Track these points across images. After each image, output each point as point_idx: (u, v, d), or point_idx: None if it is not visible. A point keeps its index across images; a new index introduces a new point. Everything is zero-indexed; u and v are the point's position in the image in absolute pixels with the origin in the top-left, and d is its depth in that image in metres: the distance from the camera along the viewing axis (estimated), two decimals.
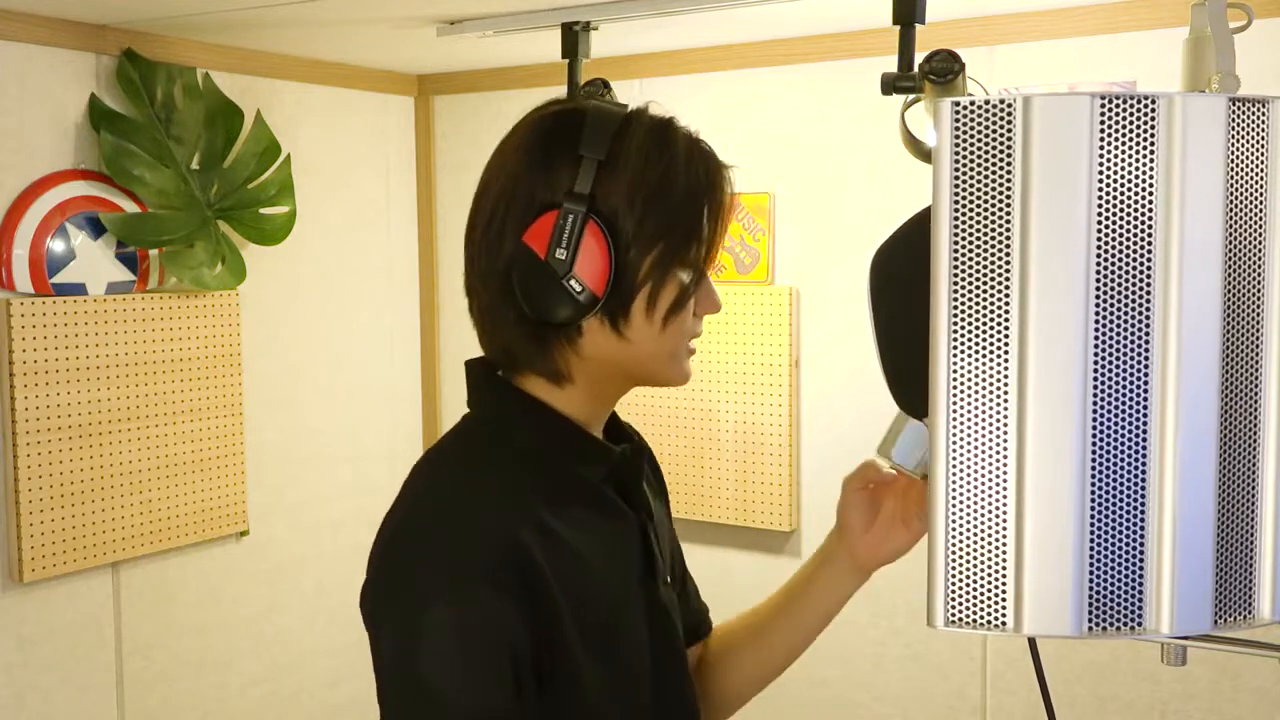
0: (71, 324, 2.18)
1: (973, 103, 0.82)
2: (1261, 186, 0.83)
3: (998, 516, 0.83)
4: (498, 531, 1.03)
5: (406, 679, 1.02)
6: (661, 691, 1.16)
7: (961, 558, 0.84)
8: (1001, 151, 0.81)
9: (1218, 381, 0.82)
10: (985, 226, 0.82)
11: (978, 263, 0.82)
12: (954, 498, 0.84)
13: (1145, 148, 0.80)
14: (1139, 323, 0.81)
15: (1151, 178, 0.81)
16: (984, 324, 0.83)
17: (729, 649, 1.33)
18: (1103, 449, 0.82)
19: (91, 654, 2.26)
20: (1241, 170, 0.82)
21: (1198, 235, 0.81)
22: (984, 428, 0.83)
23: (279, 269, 2.58)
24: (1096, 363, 0.81)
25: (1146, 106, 0.80)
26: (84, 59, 2.21)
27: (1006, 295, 0.82)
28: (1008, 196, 0.82)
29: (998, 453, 0.83)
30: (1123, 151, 0.80)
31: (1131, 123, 0.80)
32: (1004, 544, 0.83)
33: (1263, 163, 0.83)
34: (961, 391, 0.84)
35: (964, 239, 0.83)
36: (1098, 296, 0.81)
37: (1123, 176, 0.81)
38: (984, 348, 0.83)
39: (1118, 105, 0.80)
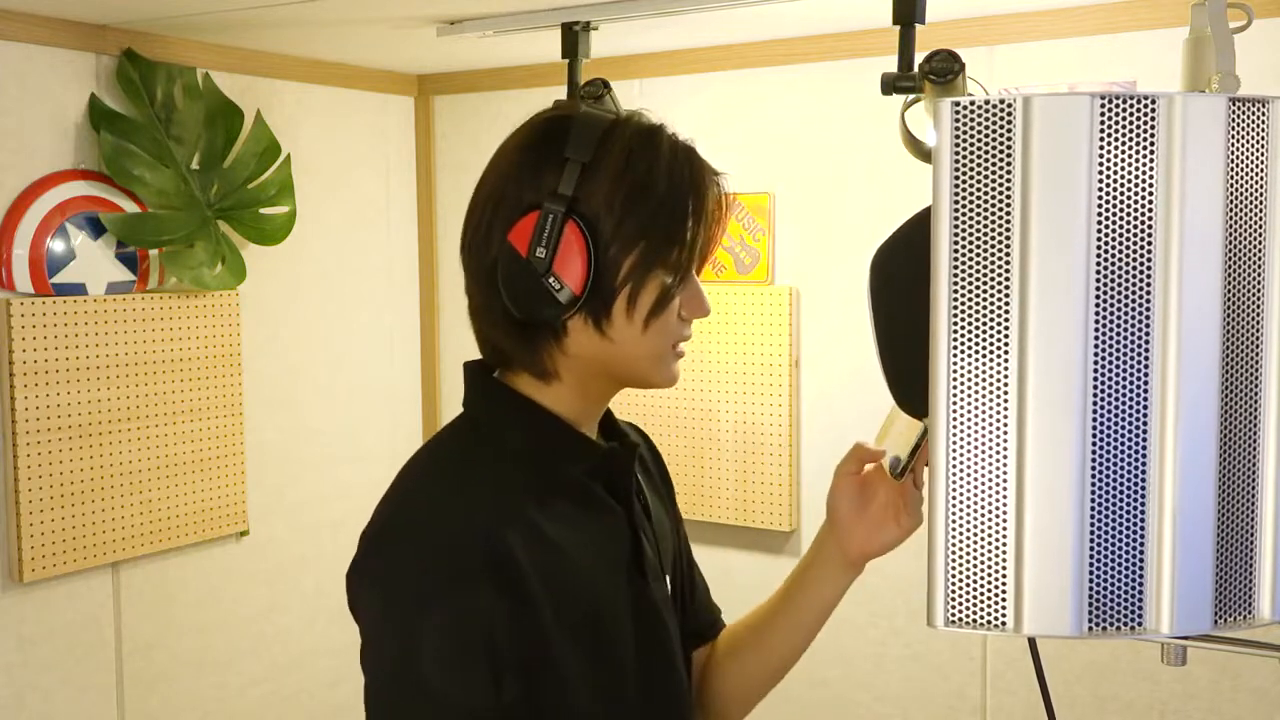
0: (71, 324, 2.18)
1: (973, 103, 0.82)
2: (1261, 186, 0.83)
3: (998, 516, 0.83)
4: (480, 529, 1.04)
5: (386, 673, 1.04)
6: (649, 688, 1.16)
7: (961, 558, 0.84)
8: (1001, 152, 0.81)
9: (1218, 381, 0.82)
10: (985, 226, 0.82)
11: (978, 263, 0.82)
12: (954, 498, 0.84)
13: (1145, 148, 0.80)
14: (1139, 323, 0.81)
15: (1151, 178, 0.81)
16: (984, 324, 0.83)
17: (732, 651, 1.33)
18: (1103, 449, 0.82)
19: (91, 654, 2.26)
20: (1241, 170, 0.82)
21: (1198, 235, 0.81)
22: (984, 428, 0.83)
23: (279, 269, 2.58)
24: (1096, 363, 0.81)
25: (1146, 106, 0.80)
26: (84, 59, 2.21)
27: (1006, 295, 0.82)
28: (1008, 196, 0.82)
29: (998, 453, 0.83)
30: (1123, 151, 0.80)
31: (1131, 123, 0.80)
32: (1004, 544, 0.83)
33: (1263, 163, 0.83)
34: (961, 391, 0.84)
35: (964, 239, 0.83)
36: (1098, 296, 0.81)
37: (1123, 176, 0.81)
38: (984, 348, 0.83)
39: (1118, 105, 0.80)
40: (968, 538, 0.84)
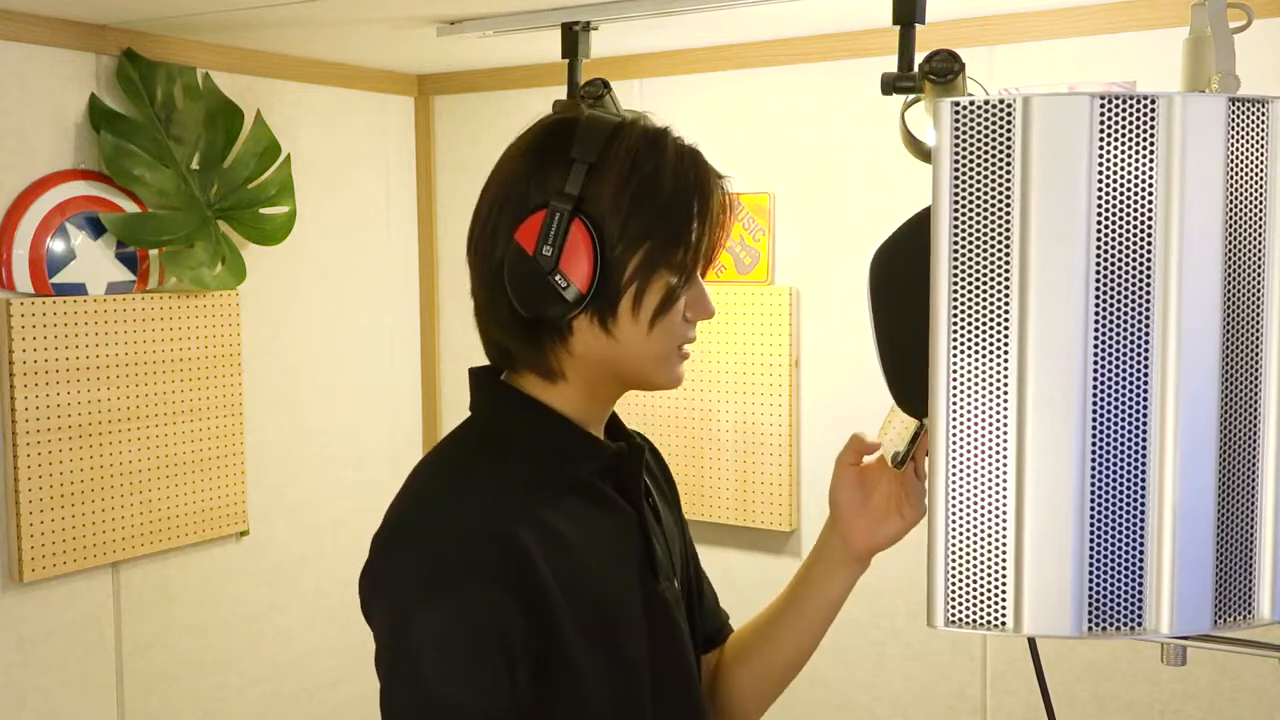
0: (71, 324, 2.18)
1: (972, 103, 0.82)
2: (1261, 186, 0.83)
3: (998, 516, 0.84)
4: (491, 528, 1.04)
5: (400, 675, 1.04)
6: (662, 685, 1.16)
7: (961, 558, 0.84)
8: (1001, 151, 0.81)
9: (1217, 381, 0.82)
10: (985, 226, 0.82)
11: (978, 263, 0.82)
12: (954, 498, 0.84)
13: (1145, 148, 0.80)
14: (1139, 323, 0.81)
15: (1151, 178, 0.81)
16: (984, 324, 0.83)
17: (741, 655, 1.33)
18: (1103, 449, 0.82)
19: (91, 654, 2.26)
20: (1241, 170, 0.82)
21: (1197, 235, 0.81)
22: (984, 428, 0.83)
23: (279, 269, 2.58)
24: (1096, 362, 0.81)
25: (1146, 106, 0.80)
26: (84, 59, 2.21)
27: (1006, 295, 0.82)
28: (1007, 196, 0.82)
29: (998, 453, 0.83)
30: (1122, 152, 0.80)
31: (1131, 123, 0.80)
32: (1004, 544, 0.83)
33: (1263, 163, 0.83)
34: (961, 391, 0.84)
35: (964, 239, 0.83)
36: (1098, 296, 0.81)
37: (1122, 177, 0.81)
38: (984, 347, 0.83)
39: (1117, 105, 0.80)
40: (967, 538, 0.84)
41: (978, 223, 0.82)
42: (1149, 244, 0.81)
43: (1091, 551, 0.82)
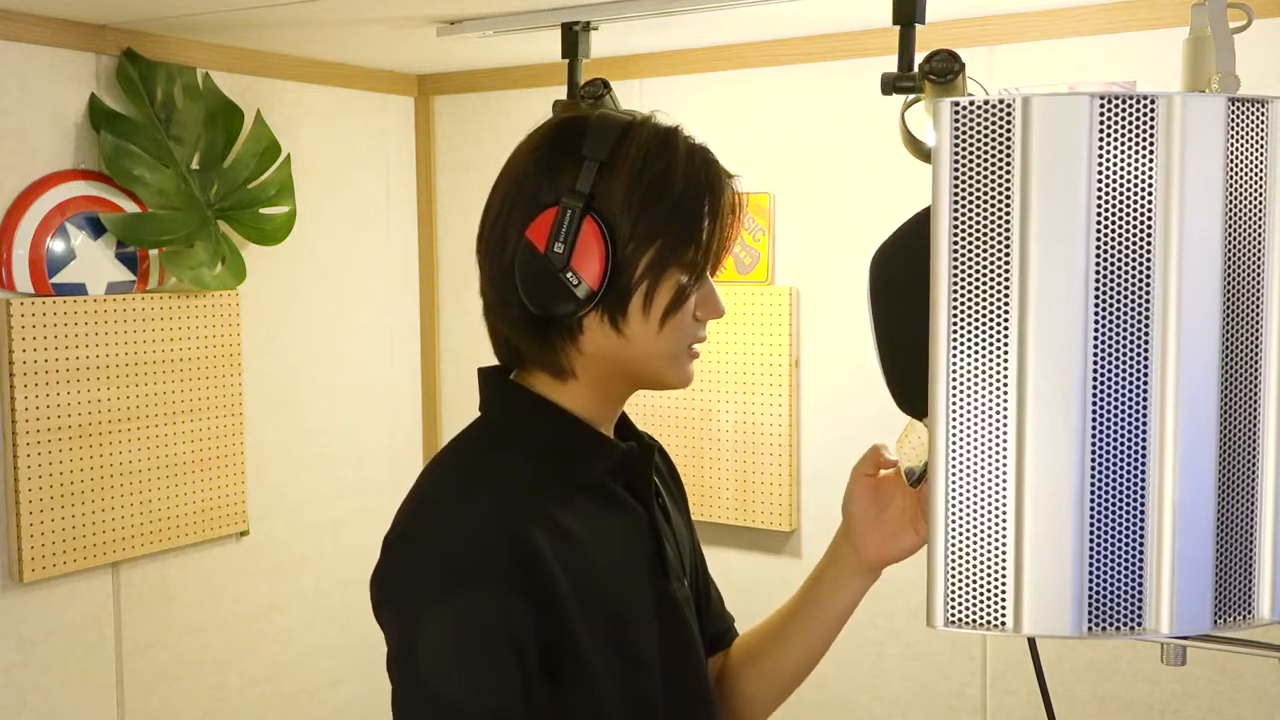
0: (71, 324, 2.18)
1: (972, 103, 0.82)
2: (1261, 186, 0.83)
3: (997, 516, 0.83)
4: (503, 528, 1.04)
5: (411, 678, 1.03)
6: (673, 685, 1.16)
7: (961, 558, 0.84)
8: (1001, 151, 0.81)
9: (1217, 381, 0.82)
10: (985, 226, 0.82)
11: (977, 262, 0.82)
12: (954, 497, 0.84)
13: (1145, 148, 0.80)
14: (1139, 322, 0.81)
15: (1151, 178, 0.81)
16: (984, 323, 0.83)
17: (747, 657, 1.33)
18: (1102, 449, 0.82)
19: (91, 654, 2.26)
20: (1241, 170, 0.82)
21: (1197, 235, 0.81)
22: (984, 427, 0.83)
23: (279, 269, 2.58)
24: (1096, 362, 0.81)
25: (1146, 106, 0.80)
26: (84, 59, 2.21)
27: (1006, 295, 0.82)
28: (1007, 196, 0.82)
29: (998, 452, 0.83)
30: (1122, 151, 0.80)
31: (1131, 123, 0.80)
32: (1004, 544, 0.83)
33: (1262, 163, 0.83)
34: (961, 391, 0.84)
35: (964, 239, 0.83)
36: (1097, 296, 0.81)
37: (1122, 176, 0.81)
38: (984, 347, 0.83)
39: (1117, 105, 0.80)
40: (967, 538, 0.84)
41: (978, 223, 0.82)
42: (1149, 244, 0.81)
43: (1091, 551, 0.82)
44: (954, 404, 0.84)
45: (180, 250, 2.32)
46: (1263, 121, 0.83)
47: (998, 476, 0.83)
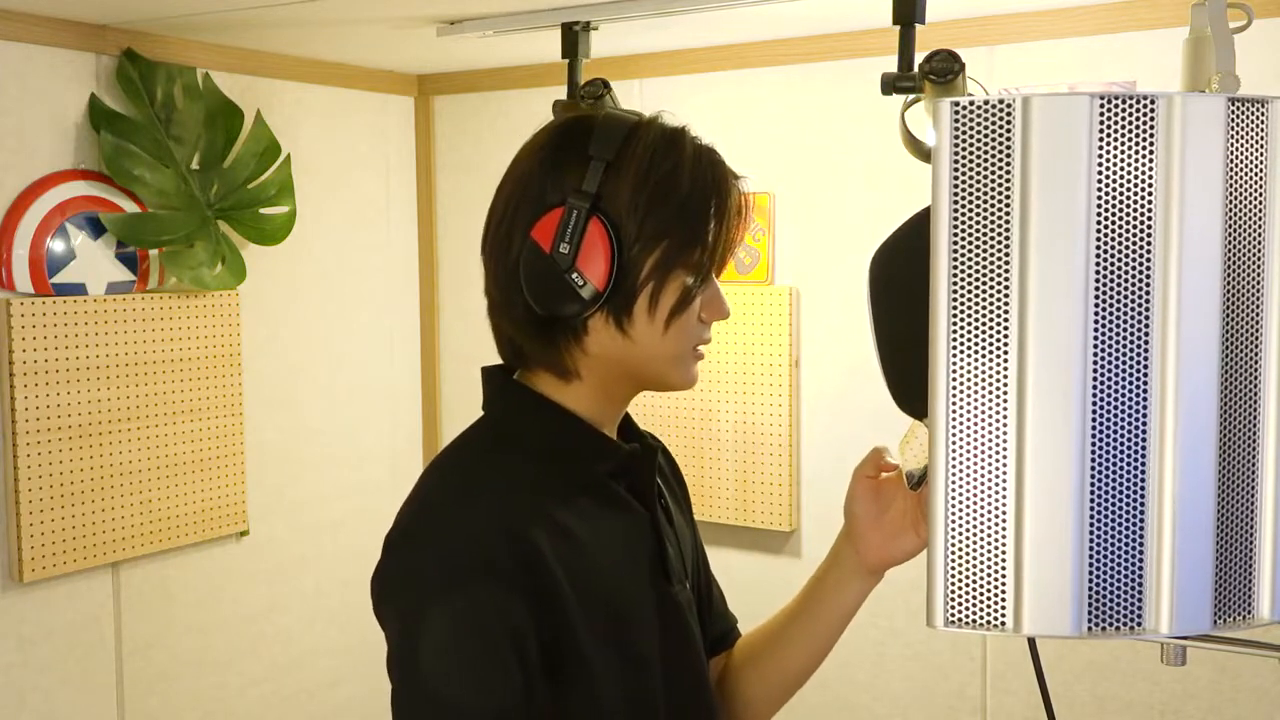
0: (71, 324, 2.18)
1: (972, 103, 0.82)
2: (1261, 186, 0.83)
3: (997, 516, 0.83)
4: (503, 527, 1.04)
5: (411, 677, 1.03)
6: (674, 685, 1.16)
7: (961, 558, 0.84)
8: (1001, 151, 0.81)
9: (1217, 381, 0.82)
10: (985, 226, 0.82)
11: (977, 263, 0.82)
12: (954, 497, 0.84)
13: (1145, 148, 0.80)
14: (1138, 323, 0.81)
15: (1151, 178, 0.81)
16: (984, 324, 0.83)
17: (750, 658, 1.32)
18: (1102, 449, 0.82)
19: (91, 654, 2.26)
20: (1241, 170, 0.82)
21: (1197, 235, 0.81)
22: (984, 428, 0.83)
23: (279, 269, 2.58)
24: (1096, 363, 0.81)
25: (1146, 107, 0.80)
26: (84, 59, 2.21)
27: (1006, 295, 0.82)
28: (1007, 196, 0.82)
29: (998, 453, 0.83)
30: (1122, 151, 0.80)
31: (1131, 123, 0.80)
32: (1004, 544, 0.83)
33: (1262, 163, 0.83)
34: (961, 391, 0.84)
35: (963, 239, 0.83)
36: (1097, 296, 0.81)
37: (1122, 176, 0.81)
38: (984, 348, 0.83)
39: (1117, 105, 0.80)
40: (967, 538, 0.84)
41: (977, 223, 0.82)
42: (1149, 244, 0.81)
43: (1091, 551, 0.82)
44: (954, 404, 0.84)
45: (180, 250, 2.32)
46: (1263, 121, 0.83)
47: (998, 477, 0.83)
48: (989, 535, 0.84)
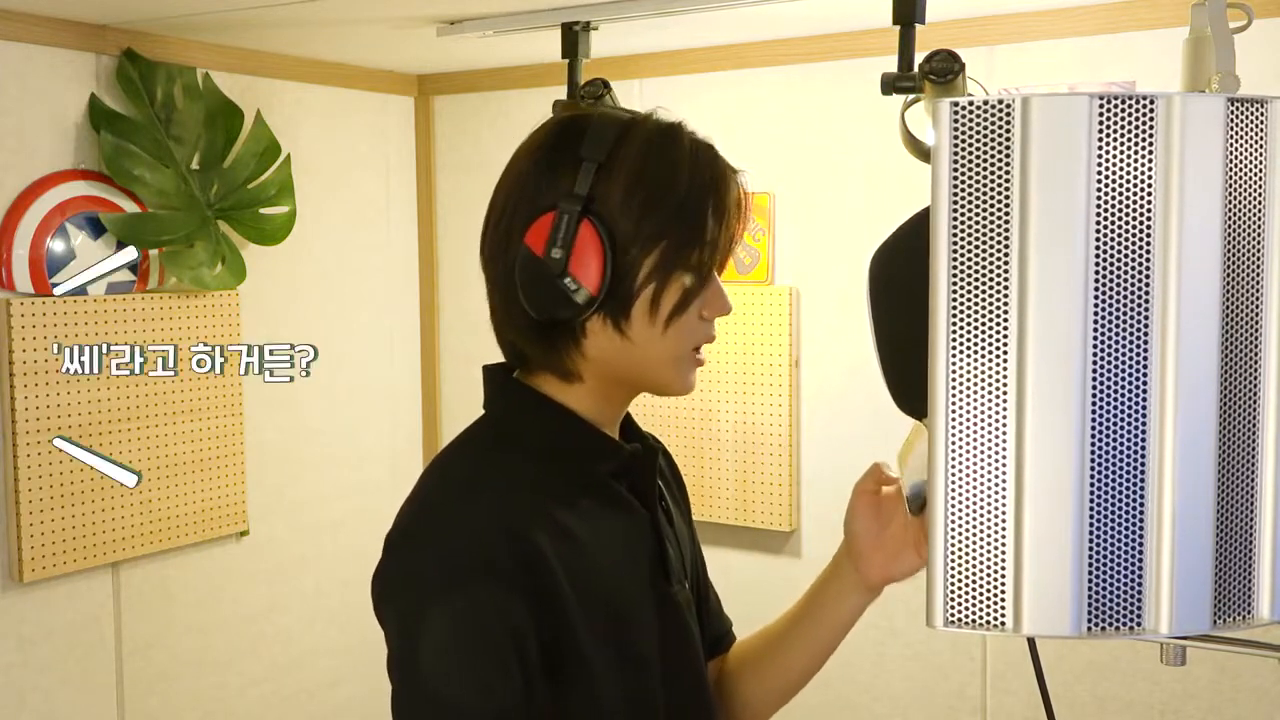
0: (71, 324, 2.18)
1: (971, 103, 0.82)
2: (1261, 186, 0.83)
3: (997, 516, 0.83)
4: (504, 527, 1.04)
5: (411, 677, 1.03)
6: (674, 686, 1.16)
7: (961, 558, 0.84)
8: (1000, 152, 0.81)
9: (1216, 381, 0.82)
10: (984, 227, 0.82)
11: (977, 263, 0.82)
12: (953, 498, 0.84)
13: (1144, 148, 0.80)
14: (1138, 323, 0.81)
15: (1150, 178, 0.80)
16: (983, 324, 0.83)
17: (748, 662, 1.32)
18: (1102, 449, 0.82)
19: (91, 654, 2.26)
20: (1241, 170, 0.82)
21: (1197, 235, 0.81)
22: (983, 428, 0.83)
23: (279, 269, 2.58)
24: (1095, 363, 0.81)
25: (1145, 107, 0.80)
26: (84, 59, 2.21)
27: (1005, 295, 0.82)
28: (1006, 197, 0.81)
29: (997, 453, 0.83)
30: (1122, 152, 0.80)
31: (1130, 123, 0.80)
32: (1003, 544, 0.83)
33: (1262, 163, 0.83)
34: (961, 391, 0.84)
35: (963, 239, 0.83)
36: (1097, 297, 0.81)
37: (1122, 177, 0.80)
38: (983, 348, 0.83)
39: (1116, 105, 0.80)
40: (967, 538, 0.84)
41: (977, 223, 0.82)
42: (1148, 244, 0.81)
43: (1091, 551, 0.82)
44: (954, 404, 0.84)
45: (180, 250, 2.32)
46: (1262, 121, 0.83)
47: (997, 476, 0.83)
48: (989, 535, 0.84)
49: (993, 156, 0.82)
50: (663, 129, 1.10)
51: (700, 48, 2.51)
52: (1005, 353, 0.82)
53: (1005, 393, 0.83)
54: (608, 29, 2.06)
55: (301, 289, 2.65)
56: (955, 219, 0.83)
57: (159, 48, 2.29)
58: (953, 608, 0.85)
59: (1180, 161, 0.80)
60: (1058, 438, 0.82)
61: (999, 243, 0.82)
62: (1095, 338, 0.81)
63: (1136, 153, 0.80)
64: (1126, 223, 0.81)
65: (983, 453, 0.83)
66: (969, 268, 0.83)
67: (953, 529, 0.84)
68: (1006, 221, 0.82)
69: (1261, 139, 0.83)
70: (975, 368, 0.83)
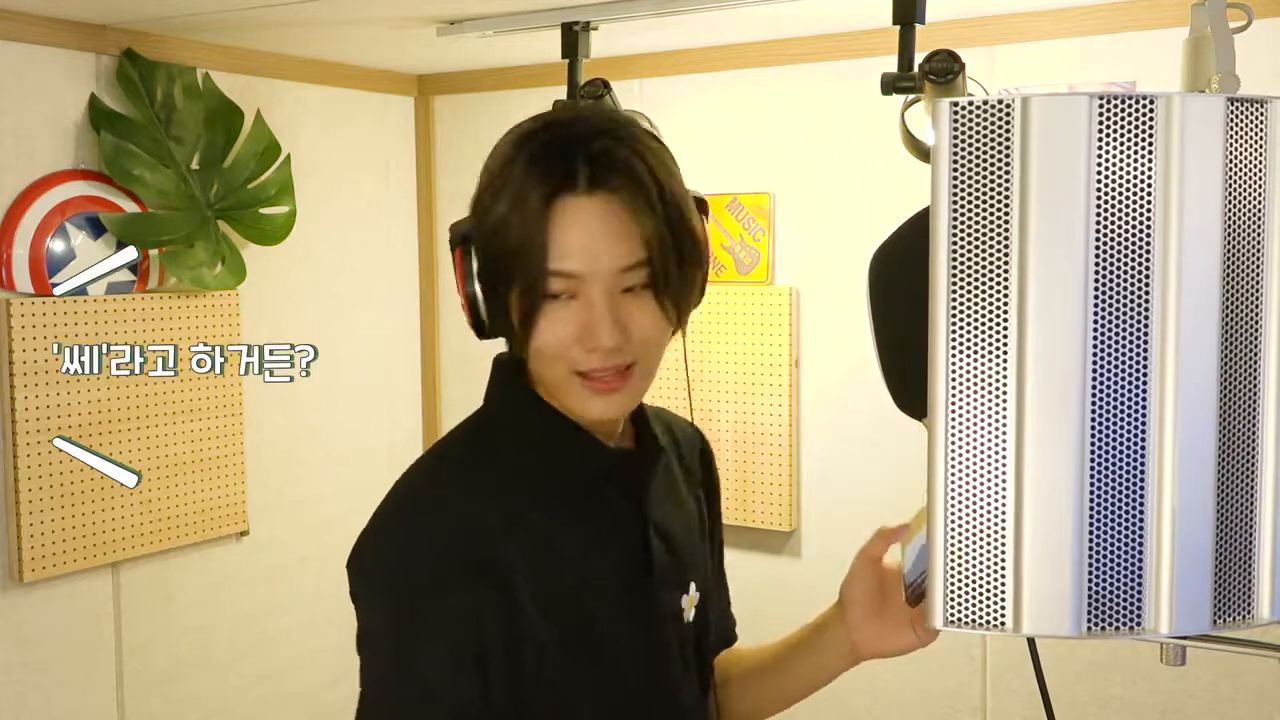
0: (71, 324, 2.18)
1: (971, 103, 0.82)
2: (1261, 187, 0.83)
3: (997, 516, 0.83)
4: (475, 526, 1.05)
5: (376, 667, 1.06)
6: (648, 691, 1.15)
7: (961, 558, 0.84)
8: (1000, 152, 0.81)
9: (1216, 381, 0.82)
10: (984, 227, 0.82)
11: (976, 263, 0.82)
12: (953, 498, 0.84)
13: (1144, 148, 0.80)
14: (1138, 323, 0.81)
15: (1150, 178, 0.80)
16: (983, 324, 0.83)
17: (734, 677, 1.32)
18: (1102, 449, 0.82)
19: (91, 654, 2.26)
20: (1241, 171, 0.82)
21: (1196, 236, 0.81)
22: (983, 428, 0.83)
23: (279, 269, 2.58)
24: (1095, 363, 0.81)
25: (1145, 107, 0.80)
26: (84, 59, 2.21)
27: (1005, 295, 0.82)
28: (1006, 197, 0.81)
29: (997, 453, 0.83)
30: (1121, 152, 0.80)
31: (1130, 123, 0.80)
32: (1003, 544, 0.83)
33: (1262, 163, 0.83)
34: (961, 391, 0.84)
35: (962, 239, 0.83)
36: (1096, 297, 0.81)
37: (1121, 177, 0.80)
38: (983, 348, 0.83)
39: (1116, 105, 0.80)
40: (967, 538, 0.84)
41: (977, 223, 0.82)
42: (1148, 244, 0.81)
43: (1091, 551, 0.82)
44: (953, 404, 0.84)
45: (180, 250, 2.32)
46: (1262, 122, 0.83)
47: (997, 477, 0.83)
48: (989, 535, 0.84)
49: (993, 156, 0.81)
50: (507, 139, 1.08)
51: (700, 48, 2.51)
52: (1005, 353, 0.82)
53: (1005, 393, 0.83)
54: (608, 29, 2.06)
55: (301, 289, 2.65)
56: (955, 219, 0.83)
57: (159, 48, 2.29)
58: (952, 608, 0.85)
59: (1180, 161, 0.80)
60: (1058, 438, 0.82)
61: (999, 243, 0.82)
62: (1095, 338, 0.81)
63: (1136, 153, 0.80)
64: (1126, 223, 0.81)
65: (983, 453, 0.83)
66: (969, 268, 0.83)
67: (953, 529, 0.84)
68: (1006, 221, 0.82)
69: (1261, 139, 0.83)
70: (975, 368, 0.83)
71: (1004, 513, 0.83)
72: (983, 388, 0.83)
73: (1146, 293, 0.81)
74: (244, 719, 2.56)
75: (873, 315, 1.01)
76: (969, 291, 0.83)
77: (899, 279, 0.95)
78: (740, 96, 2.50)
